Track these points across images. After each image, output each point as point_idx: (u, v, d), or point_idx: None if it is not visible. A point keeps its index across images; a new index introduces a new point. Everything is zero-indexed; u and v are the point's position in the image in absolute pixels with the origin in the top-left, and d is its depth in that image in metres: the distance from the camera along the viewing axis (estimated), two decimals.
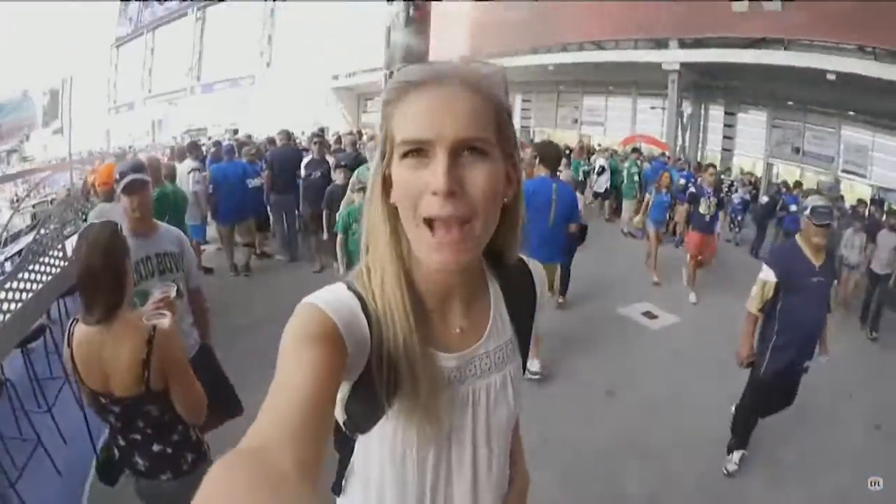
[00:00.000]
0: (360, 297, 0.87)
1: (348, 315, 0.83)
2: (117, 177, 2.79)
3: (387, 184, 0.84)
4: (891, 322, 7.20)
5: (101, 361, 1.85)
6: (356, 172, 5.80)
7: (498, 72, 0.85)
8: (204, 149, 10.14)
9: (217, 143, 10.40)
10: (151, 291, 2.28)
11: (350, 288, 0.89)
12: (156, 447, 2.00)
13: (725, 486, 3.57)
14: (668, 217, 8.08)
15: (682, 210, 10.42)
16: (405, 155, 0.78)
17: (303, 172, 8.03)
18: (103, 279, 1.84)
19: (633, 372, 5.04)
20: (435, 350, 0.92)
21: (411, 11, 11.06)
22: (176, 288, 2.33)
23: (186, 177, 7.03)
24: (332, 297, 0.85)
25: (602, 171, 12.09)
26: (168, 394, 1.93)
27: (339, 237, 4.81)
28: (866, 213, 11.93)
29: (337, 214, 5.23)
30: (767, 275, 3.43)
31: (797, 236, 3.47)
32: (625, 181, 11.40)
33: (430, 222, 0.77)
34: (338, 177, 6.70)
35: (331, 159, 8.04)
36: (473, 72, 0.81)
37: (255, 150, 8.86)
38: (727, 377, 4.87)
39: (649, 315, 6.67)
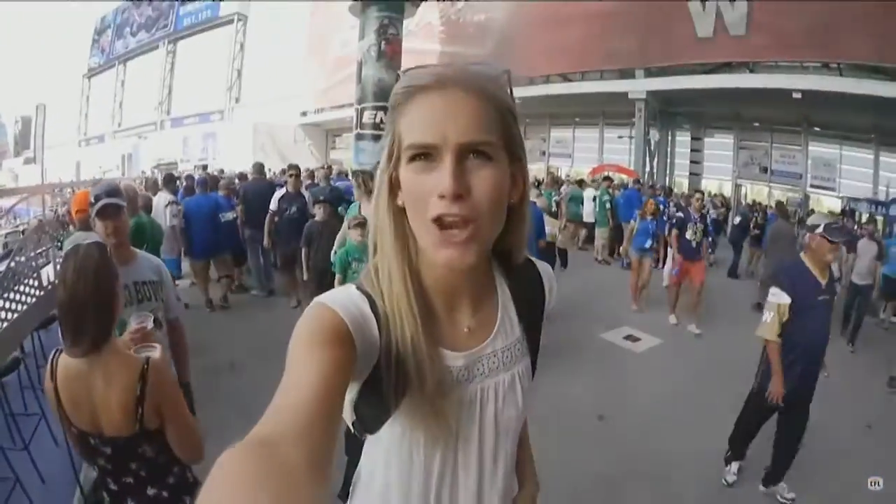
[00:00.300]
0: (369, 298, 0.88)
1: (358, 315, 0.84)
2: (92, 200, 2.61)
3: (393, 185, 0.86)
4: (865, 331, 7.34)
5: (89, 398, 1.68)
6: (350, 209, 5.41)
7: (502, 74, 0.86)
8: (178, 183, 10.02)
9: (189, 177, 10.25)
10: (128, 321, 2.10)
11: (360, 288, 0.90)
12: (151, 491, 1.82)
13: (725, 499, 3.60)
14: (653, 245, 7.87)
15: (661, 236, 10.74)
16: (412, 158, 0.80)
17: (274, 206, 7.25)
18: (93, 306, 1.65)
19: (622, 395, 5.05)
20: (443, 349, 0.93)
21: (383, 46, 11.22)
22: (153, 318, 2.16)
23: (163, 210, 6.85)
24: (342, 297, 0.86)
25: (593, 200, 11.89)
26: (162, 432, 1.76)
27: (338, 277, 4.61)
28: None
29: (332, 254, 4.92)
30: (780, 297, 3.30)
31: (802, 255, 3.42)
32: (597, 209, 11.52)
33: (438, 221, 0.78)
34: (318, 212, 6.32)
35: (306, 194, 7.59)
36: (478, 75, 0.82)
37: (231, 183, 8.78)
38: (714, 393, 4.93)
39: (632, 338, 6.73)
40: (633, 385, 5.31)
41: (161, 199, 7.11)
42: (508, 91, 0.86)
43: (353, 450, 1.05)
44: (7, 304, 3.34)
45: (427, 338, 0.87)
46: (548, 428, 4.14)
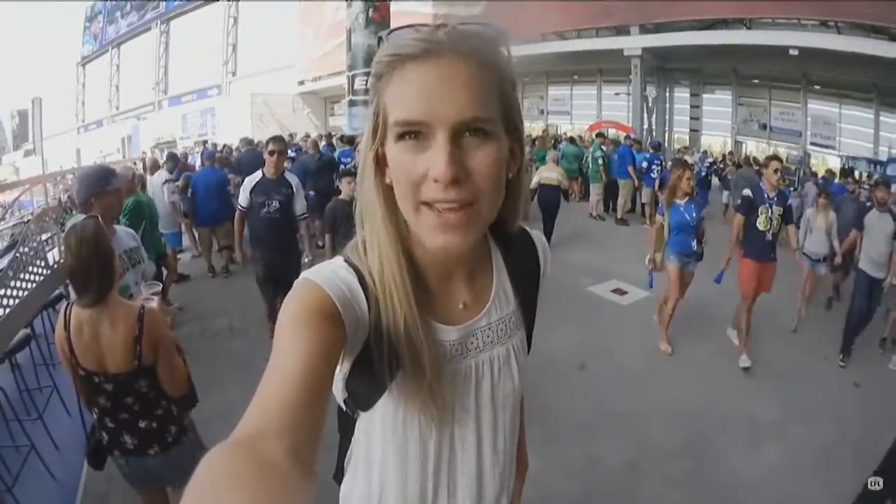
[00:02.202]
0: (357, 271, 0.84)
1: (346, 291, 0.80)
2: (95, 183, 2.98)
3: (380, 162, 0.80)
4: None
5: (97, 341, 2.03)
6: None
7: (499, 34, 0.78)
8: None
9: (185, 155, 10.42)
10: (131, 284, 2.58)
11: (347, 261, 0.86)
12: (142, 423, 2.17)
13: (703, 448, 3.71)
14: (700, 240, 5.17)
15: (648, 192, 10.72)
16: (401, 136, 0.73)
17: (244, 201, 4.84)
18: (96, 265, 2.02)
19: (605, 346, 5.20)
20: (436, 322, 0.90)
21: (370, 13, 11.22)
22: (161, 286, 2.53)
23: (160, 187, 7.14)
24: (329, 274, 0.82)
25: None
26: (155, 369, 2.13)
27: None
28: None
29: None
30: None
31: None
32: (590, 166, 11.57)
33: (429, 203, 0.73)
34: (343, 188, 5.44)
35: (293, 179, 5.68)
36: (472, 38, 0.74)
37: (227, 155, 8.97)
38: (693, 344, 5.10)
39: (619, 291, 6.83)
40: (617, 336, 5.44)
41: (159, 177, 7.40)
42: (506, 53, 0.79)
43: (346, 427, 1.04)
44: (18, 284, 3.55)
45: (420, 315, 0.83)
46: (528, 376, 4.34)
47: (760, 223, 4.91)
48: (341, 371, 0.88)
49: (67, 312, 2.08)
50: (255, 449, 0.51)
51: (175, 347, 2.21)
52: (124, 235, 3.06)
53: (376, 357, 0.83)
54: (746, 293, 4.99)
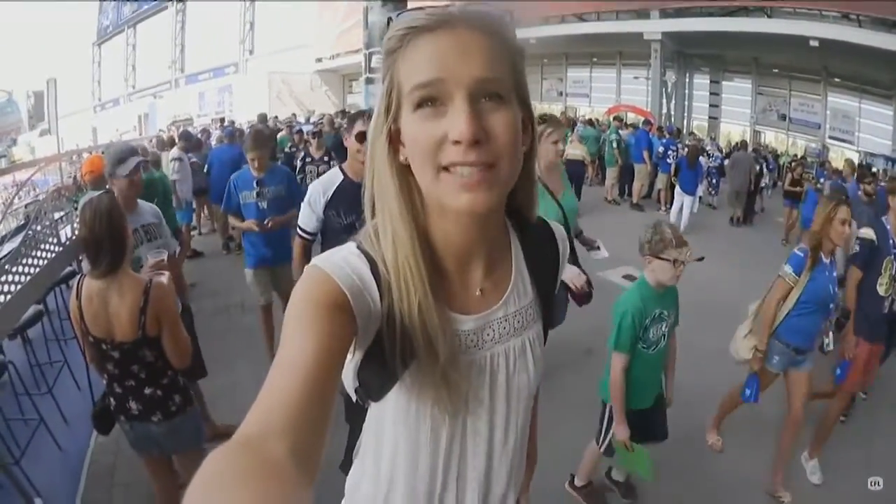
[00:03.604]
0: (369, 259, 0.82)
1: (357, 280, 0.78)
2: (116, 161, 3.13)
3: (394, 140, 0.79)
4: None
5: (105, 310, 2.14)
6: None
7: (506, 14, 0.79)
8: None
9: (206, 131, 10.53)
10: (144, 257, 2.65)
11: (360, 248, 0.84)
12: (147, 390, 2.27)
13: (699, 426, 3.67)
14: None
15: (664, 177, 10.62)
16: (418, 105, 0.72)
17: (318, 205, 4.67)
18: (108, 238, 2.12)
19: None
20: (452, 312, 0.87)
21: None
22: (167, 254, 2.73)
23: (168, 164, 7.30)
24: (340, 262, 0.79)
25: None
26: (160, 340, 2.22)
27: None
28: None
29: None
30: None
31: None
32: (606, 149, 11.50)
33: (449, 168, 0.72)
34: None
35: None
36: (483, 14, 0.75)
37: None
38: (702, 331, 5.05)
39: (630, 278, 6.67)
40: None
41: (169, 155, 7.55)
42: (514, 33, 0.79)
43: (355, 417, 1.02)
44: (30, 261, 3.59)
45: (437, 303, 0.81)
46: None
47: (882, 285, 3.39)
48: (352, 361, 0.86)
49: (80, 282, 2.19)
50: (258, 449, 0.50)
51: (180, 321, 2.30)
52: (145, 211, 3.20)
53: (389, 347, 0.81)
54: (850, 387, 3.49)
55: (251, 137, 4.57)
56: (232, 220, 4.44)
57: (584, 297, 3.40)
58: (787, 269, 3.11)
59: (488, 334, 0.91)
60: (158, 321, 2.19)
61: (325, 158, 6.25)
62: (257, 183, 4.19)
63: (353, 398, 0.94)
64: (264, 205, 4.20)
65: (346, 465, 1.08)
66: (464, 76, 0.70)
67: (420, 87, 0.71)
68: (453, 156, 0.71)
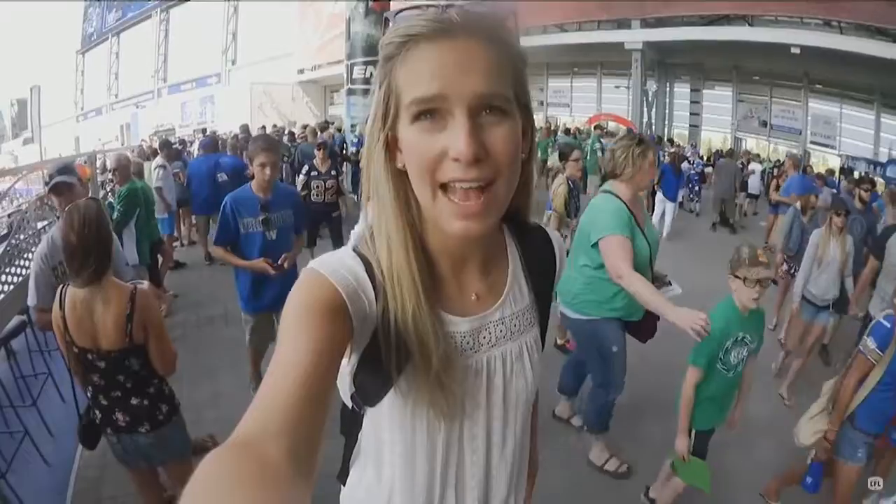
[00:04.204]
0: (365, 261, 0.82)
1: (353, 281, 0.78)
2: (46, 179, 3.13)
3: (390, 147, 0.78)
4: None
5: (91, 319, 2.12)
6: None
7: (509, 16, 0.78)
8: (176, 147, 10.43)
9: (181, 142, 10.56)
10: None
11: (355, 250, 0.84)
12: (134, 400, 2.26)
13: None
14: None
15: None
16: (417, 116, 0.71)
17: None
18: (97, 246, 2.09)
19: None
20: (447, 314, 0.87)
21: (370, 2, 11.21)
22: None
23: (153, 171, 7.28)
24: (336, 264, 0.79)
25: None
26: (145, 348, 2.22)
27: None
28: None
29: None
30: None
31: None
32: (588, 157, 11.52)
33: (446, 187, 0.72)
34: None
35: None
36: (485, 19, 0.74)
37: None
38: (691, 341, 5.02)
39: None
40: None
41: (153, 164, 7.52)
42: (517, 36, 0.78)
43: (350, 427, 1.01)
44: (14, 270, 3.56)
45: (430, 304, 0.81)
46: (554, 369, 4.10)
47: None
48: (349, 365, 0.86)
49: (63, 292, 2.17)
50: (255, 450, 0.50)
51: (165, 327, 2.30)
52: None
53: (384, 349, 0.81)
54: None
55: (261, 139, 3.64)
56: (226, 257, 3.39)
57: (649, 332, 3.27)
58: (870, 342, 2.64)
59: (484, 337, 0.91)
60: (145, 328, 2.18)
61: (333, 172, 6.23)
62: (263, 207, 3.33)
63: (350, 405, 0.95)
64: (273, 235, 3.37)
65: (342, 474, 1.08)
66: (465, 92, 0.69)
67: (419, 101, 0.70)
68: (452, 173, 0.70)
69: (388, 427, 0.90)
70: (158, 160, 7.53)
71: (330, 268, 0.77)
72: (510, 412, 0.95)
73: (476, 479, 0.95)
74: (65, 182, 3.07)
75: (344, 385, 0.90)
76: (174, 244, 7.70)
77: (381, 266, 0.80)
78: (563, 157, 5.36)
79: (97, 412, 2.30)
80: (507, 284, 0.94)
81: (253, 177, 3.37)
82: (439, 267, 0.87)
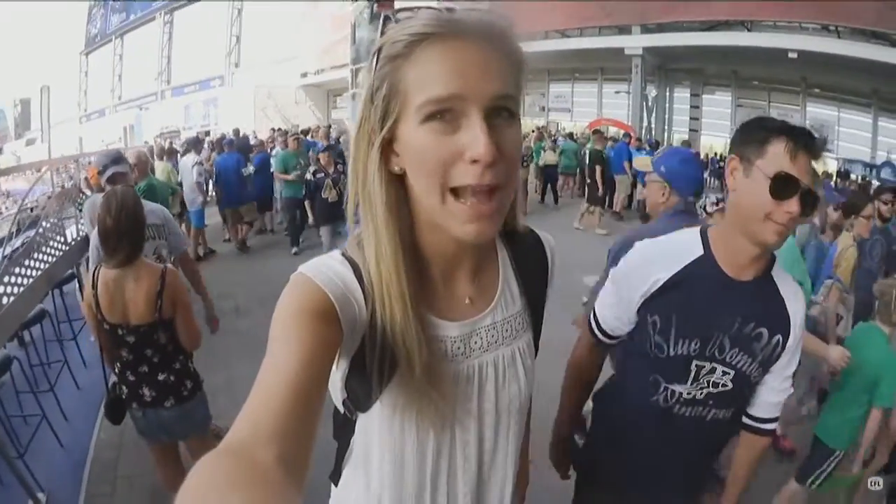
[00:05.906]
0: (353, 265, 0.81)
1: (342, 285, 0.78)
2: (100, 169, 3.33)
3: (384, 150, 0.76)
4: None
5: (122, 296, 2.28)
6: None
7: (512, 23, 0.76)
8: (180, 147, 10.83)
9: (215, 142, 11.12)
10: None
11: (344, 255, 0.84)
12: (161, 376, 2.41)
13: None
14: None
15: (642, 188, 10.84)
16: (429, 117, 0.69)
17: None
18: (131, 230, 2.27)
19: None
20: (436, 318, 0.87)
21: (375, 8, 11.34)
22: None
23: (191, 168, 7.67)
24: (324, 268, 0.79)
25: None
26: (173, 323, 2.39)
27: None
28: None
29: None
30: None
31: None
32: (587, 162, 11.59)
33: (455, 189, 0.71)
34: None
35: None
36: (492, 24, 0.73)
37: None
38: None
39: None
40: None
41: (189, 159, 7.92)
42: (518, 41, 0.77)
43: (342, 433, 1.00)
44: (34, 263, 3.71)
45: (419, 310, 0.81)
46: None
47: None
48: (339, 370, 0.86)
49: (95, 274, 2.33)
50: (246, 456, 0.50)
51: (191, 305, 2.48)
52: (150, 212, 3.33)
53: (369, 354, 0.81)
54: None
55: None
56: None
57: None
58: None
59: (476, 342, 0.90)
60: (174, 304, 2.35)
61: (341, 169, 6.58)
62: None
63: (342, 411, 0.95)
64: None
65: (335, 474, 1.07)
66: (482, 93, 0.68)
67: (436, 101, 0.68)
68: (467, 177, 0.69)
69: (378, 433, 0.89)
70: (194, 157, 7.94)
71: (319, 272, 0.77)
72: (503, 419, 0.95)
73: (468, 488, 0.95)
74: (119, 172, 3.31)
75: (335, 392, 0.90)
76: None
77: (369, 270, 0.80)
78: (854, 210, 3.91)
79: (124, 387, 2.43)
80: (498, 289, 0.94)
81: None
82: (430, 272, 0.86)
